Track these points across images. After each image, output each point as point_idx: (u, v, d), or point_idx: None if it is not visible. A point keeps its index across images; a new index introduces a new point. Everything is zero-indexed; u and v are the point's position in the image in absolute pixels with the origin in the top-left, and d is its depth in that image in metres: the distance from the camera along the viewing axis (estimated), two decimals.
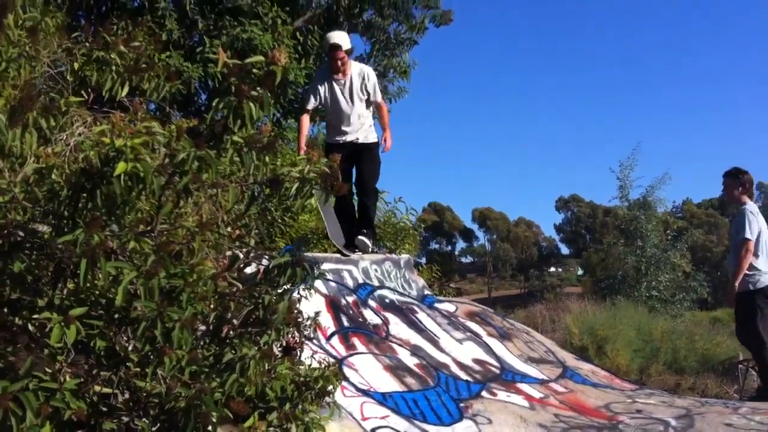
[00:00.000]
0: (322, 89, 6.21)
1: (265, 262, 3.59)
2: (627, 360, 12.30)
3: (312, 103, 6.29)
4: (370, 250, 6.31)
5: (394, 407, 4.36)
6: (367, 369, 4.76)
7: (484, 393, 5.11)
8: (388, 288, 6.35)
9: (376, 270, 6.42)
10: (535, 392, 5.41)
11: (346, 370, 4.57)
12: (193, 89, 10.44)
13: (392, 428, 4.07)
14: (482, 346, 6.11)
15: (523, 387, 5.48)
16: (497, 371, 5.71)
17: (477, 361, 5.76)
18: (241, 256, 3.65)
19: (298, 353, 3.69)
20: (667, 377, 12.43)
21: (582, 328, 13.41)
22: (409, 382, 4.82)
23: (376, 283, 6.28)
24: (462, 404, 4.75)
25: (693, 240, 24.74)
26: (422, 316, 6.15)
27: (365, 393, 4.39)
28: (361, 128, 6.30)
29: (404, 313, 6.05)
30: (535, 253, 74.61)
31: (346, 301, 5.65)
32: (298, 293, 3.71)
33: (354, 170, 6.38)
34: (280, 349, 3.65)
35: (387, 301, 6.11)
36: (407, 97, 14.49)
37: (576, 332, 13.36)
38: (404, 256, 7.15)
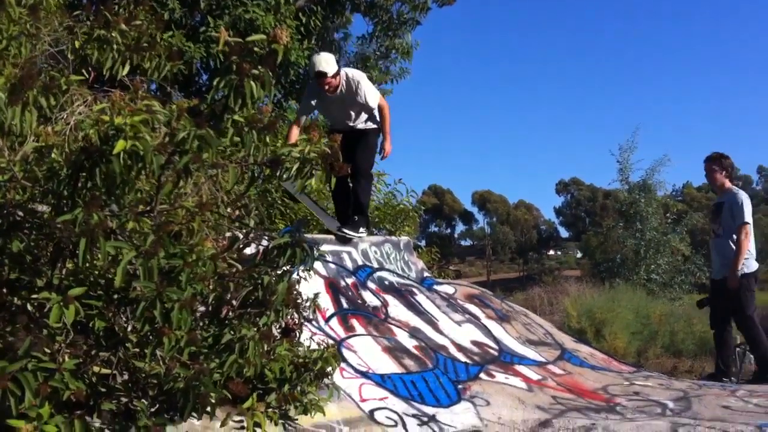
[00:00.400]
0: (315, 104, 6.22)
1: (264, 243, 3.58)
2: (625, 343, 12.33)
3: (304, 120, 6.21)
4: (352, 241, 6.22)
5: (393, 389, 4.37)
6: (365, 351, 4.76)
7: (482, 375, 5.12)
8: (388, 270, 6.34)
9: (375, 252, 6.42)
10: (533, 374, 5.43)
11: (345, 352, 4.58)
12: (194, 69, 10.39)
13: (390, 410, 4.08)
14: (481, 328, 6.11)
15: (522, 369, 5.49)
16: (496, 353, 5.72)
17: (475, 343, 5.77)
18: (241, 236, 3.65)
19: (297, 335, 3.69)
20: (664, 360, 12.47)
21: (580, 311, 13.45)
22: (407, 364, 4.83)
23: (375, 264, 6.27)
24: (460, 386, 4.76)
25: (692, 223, 24.72)
26: (421, 298, 6.15)
27: (364, 375, 4.40)
28: (358, 122, 6.28)
29: (403, 295, 6.05)
30: (534, 236, 74.68)
31: (346, 282, 5.65)
32: (298, 275, 3.71)
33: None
34: (279, 330, 3.65)
35: (386, 282, 6.11)
36: (409, 79, 14.44)
37: (574, 315, 13.40)
38: (404, 238, 7.13)
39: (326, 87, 5.89)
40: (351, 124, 6.21)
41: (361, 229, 6.21)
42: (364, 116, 6.25)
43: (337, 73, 5.92)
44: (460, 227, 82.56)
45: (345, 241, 6.12)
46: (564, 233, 79.96)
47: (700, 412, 4.64)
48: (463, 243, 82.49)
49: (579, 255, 60.54)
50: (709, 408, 4.78)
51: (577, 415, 4.58)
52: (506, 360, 5.65)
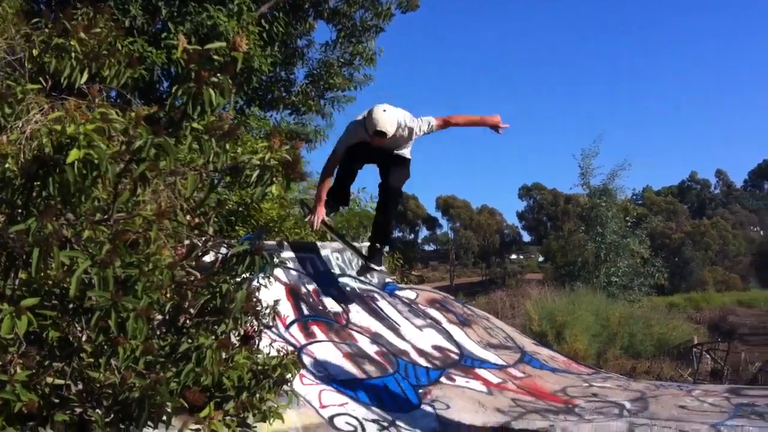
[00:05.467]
0: (357, 145, 5.64)
1: (224, 250, 3.57)
2: (585, 345, 12.55)
3: (342, 155, 5.73)
4: (385, 274, 6.08)
5: (353, 394, 4.39)
6: (326, 357, 4.78)
7: (443, 379, 5.17)
8: (350, 276, 6.36)
9: (337, 258, 6.43)
10: (494, 377, 5.49)
11: (306, 359, 4.59)
12: (156, 76, 10.30)
13: (350, 415, 4.10)
14: (442, 333, 6.17)
15: (482, 372, 5.55)
16: (457, 357, 5.77)
17: (437, 347, 5.82)
18: (200, 244, 3.63)
19: (257, 342, 3.68)
20: (623, 361, 12.71)
21: (541, 314, 13.64)
22: (368, 370, 4.85)
23: (337, 271, 6.28)
24: (421, 390, 4.80)
25: (652, 227, 25.19)
26: (383, 304, 6.18)
27: (324, 381, 4.41)
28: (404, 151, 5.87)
29: (365, 300, 6.07)
30: (497, 241, 75.13)
31: (307, 289, 5.65)
32: (258, 282, 3.70)
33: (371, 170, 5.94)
34: (237, 338, 3.63)
35: (348, 289, 6.13)
36: (372, 85, 14.49)
37: (535, 318, 13.59)
38: (366, 245, 7.15)
39: (378, 142, 5.47)
40: (396, 152, 5.79)
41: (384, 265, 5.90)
42: (408, 147, 5.86)
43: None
44: (424, 232, 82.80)
45: (367, 271, 5.93)
46: (526, 237, 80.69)
47: (657, 412, 4.73)
48: (426, 248, 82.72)
49: (541, 259, 61.20)
50: (665, 408, 4.88)
51: (536, 417, 4.65)
52: (467, 364, 5.70)
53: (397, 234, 78.43)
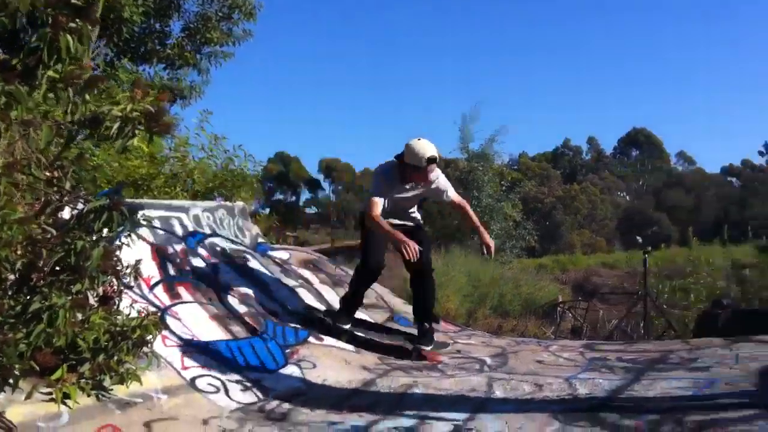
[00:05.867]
0: (391, 190, 5.31)
1: (81, 206, 3.42)
2: (456, 305, 12.93)
3: (382, 199, 5.22)
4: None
5: (218, 356, 4.34)
6: (191, 318, 4.69)
7: (311, 339, 5.19)
8: (220, 236, 6.26)
9: (208, 217, 6.30)
10: (362, 336, 5.57)
11: (169, 320, 4.49)
12: (19, 24, 9.62)
13: (213, 376, 4.06)
14: (313, 293, 6.20)
15: (351, 332, 5.62)
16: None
17: (307, 307, 5.84)
18: (55, 199, 3.46)
19: (116, 302, 3.57)
20: (492, 320, 13.22)
21: None
22: (235, 331, 4.81)
23: (207, 231, 6.16)
24: (288, 350, 4.81)
25: (525, 191, 26.16)
26: (254, 264, 6.13)
27: (188, 343, 4.33)
28: (409, 216, 5.59)
29: (235, 261, 6.00)
30: None
31: (174, 249, 5.51)
32: (120, 241, 3.57)
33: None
34: (96, 298, 3.51)
35: (218, 249, 6.03)
36: (252, 41, 14.15)
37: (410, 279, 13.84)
38: (239, 204, 7.04)
39: (428, 174, 5.21)
40: (409, 211, 5.55)
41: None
42: (416, 204, 5.63)
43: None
44: (306, 195, 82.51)
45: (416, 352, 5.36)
46: None
47: (516, 367, 4.96)
48: (308, 210, 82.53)
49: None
50: (523, 363, 5.12)
51: (400, 374, 4.77)
52: None
53: (279, 196, 77.90)
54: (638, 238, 13.41)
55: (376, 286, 7.37)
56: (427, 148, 5.07)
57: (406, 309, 6.72)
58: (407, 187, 5.31)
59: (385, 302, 6.73)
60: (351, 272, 7.48)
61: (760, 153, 67.86)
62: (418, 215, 5.67)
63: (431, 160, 5.10)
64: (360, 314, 5.95)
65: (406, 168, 5.16)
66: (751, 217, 46.09)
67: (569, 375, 4.52)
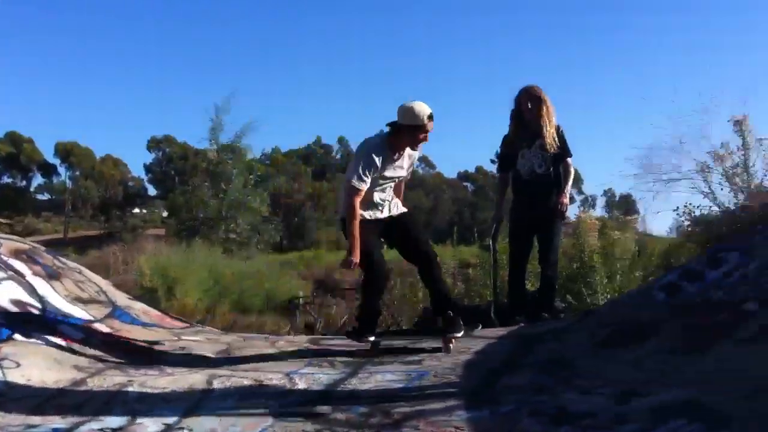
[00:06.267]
0: (381, 165, 4.84)
1: None
2: (195, 300, 12.59)
3: (368, 184, 4.79)
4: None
5: None
6: None
7: (16, 336, 4.69)
8: None
9: None
10: (77, 333, 5.16)
11: None
12: None
13: None
14: (24, 286, 5.61)
15: (64, 328, 5.18)
16: (38, 312, 5.31)
17: (15, 302, 5.28)
18: None
19: None
20: (231, 316, 13.05)
21: (154, 270, 13.35)
22: None
23: None
24: None
25: (276, 186, 26.27)
26: None
27: None
28: (392, 201, 5.10)
29: None
30: (120, 193, 71.88)
31: None
32: None
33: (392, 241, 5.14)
34: None
35: None
36: None
37: (147, 273, 13.26)
38: None
39: (426, 136, 4.83)
40: (393, 195, 5.09)
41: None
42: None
43: None
44: (38, 179, 75.83)
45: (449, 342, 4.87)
46: (153, 191, 78.24)
47: (239, 364, 4.85)
48: (40, 197, 75.93)
49: (165, 214, 60.02)
50: (248, 359, 5.03)
51: (115, 372, 4.45)
52: (50, 319, 5.28)
53: (6, 180, 71.01)
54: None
55: (99, 279, 6.89)
56: (424, 105, 4.79)
57: (130, 304, 6.35)
58: (396, 158, 4.93)
59: (107, 296, 6.29)
60: (70, 263, 6.92)
61: (492, 161, 74.62)
62: (399, 204, 5.21)
63: (432, 116, 4.81)
64: (76, 309, 5.50)
65: (403, 135, 4.83)
66: (482, 220, 50.37)
67: (290, 370, 4.49)
